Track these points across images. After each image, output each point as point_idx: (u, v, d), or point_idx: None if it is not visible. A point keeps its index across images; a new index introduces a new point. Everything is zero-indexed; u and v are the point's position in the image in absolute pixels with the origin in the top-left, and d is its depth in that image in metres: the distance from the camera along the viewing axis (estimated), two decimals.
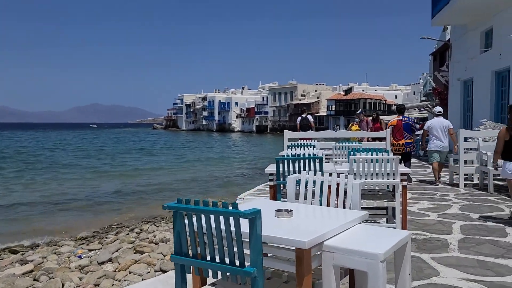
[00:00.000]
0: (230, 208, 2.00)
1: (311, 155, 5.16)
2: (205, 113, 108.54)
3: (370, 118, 13.42)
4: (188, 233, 2.18)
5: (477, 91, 14.58)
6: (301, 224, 2.40)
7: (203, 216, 2.09)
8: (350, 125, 13.98)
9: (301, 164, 4.72)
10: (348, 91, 78.51)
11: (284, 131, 8.90)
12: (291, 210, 2.52)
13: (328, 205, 3.12)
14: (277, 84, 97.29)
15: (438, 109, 9.66)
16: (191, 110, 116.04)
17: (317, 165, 4.68)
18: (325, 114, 77.13)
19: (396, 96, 79.43)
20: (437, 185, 8.96)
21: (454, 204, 6.89)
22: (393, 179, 4.59)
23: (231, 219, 1.99)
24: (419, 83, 77.84)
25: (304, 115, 12.86)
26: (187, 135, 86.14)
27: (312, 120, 12.90)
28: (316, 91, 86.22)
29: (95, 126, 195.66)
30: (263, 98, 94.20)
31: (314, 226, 2.38)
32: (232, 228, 1.99)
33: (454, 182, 9.22)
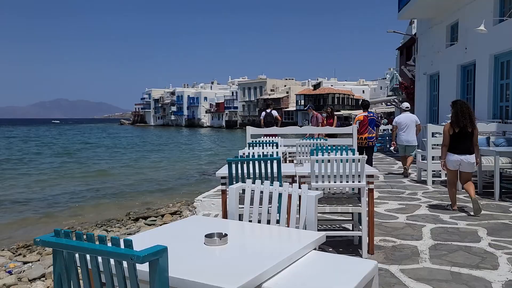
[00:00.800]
0: (122, 246, 1.39)
1: (270, 155, 4.65)
2: (173, 108, 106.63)
3: (324, 114, 12.93)
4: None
5: (443, 85, 14.49)
6: (235, 257, 1.84)
7: (88, 256, 1.50)
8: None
9: (257, 166, 4.12)
10: (317, 86, 78.87)
11: (247, 127, 8.34)
12: (225, 235, 1.95)
13: (288, 223, 2.63)
14: (247, 79, 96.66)
15: (406, 104, 9.85)
16: (160, 105, 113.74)
17: (275, 167, 4.10)
18: (294, 109, 77.22)
19: (363, 91, 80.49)
20: (406, 176, 9.46)
21: (423, 204, 6.53)
22: (359, 182, 4.10)
23: (124, 263, 1.40)
24: (385, 78, 79.16)
25: (268, 110, 12.29)
26: (155, 130, 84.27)
27: (277, 114, 12.27)
28: (285, 86, 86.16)
29: (58, 121, 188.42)
30: (232, 93, 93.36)
31: (252, 260, 1.82)
32: (126, 274, 1.40)
33: (422, 179, 8.93)
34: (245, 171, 4.05)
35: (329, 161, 4.09)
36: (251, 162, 4.10)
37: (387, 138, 17.17)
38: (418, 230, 5.02)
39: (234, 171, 4.14)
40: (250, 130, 8.31)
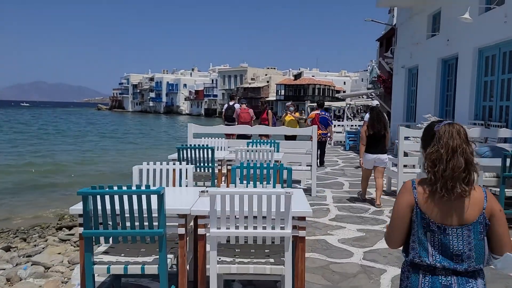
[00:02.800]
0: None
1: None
2: (152, 95, 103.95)
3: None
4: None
5: (422, 80, 13.32)
6: None
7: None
8: (284, 114, 12.21)
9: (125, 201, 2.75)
10: (298, 76, 77.55)
11: (188, 124, 6.92)
12: None
13: None
14: (228, 67, 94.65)
15: (375, 102, 10.65)
16: (138, 91, 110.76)
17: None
18: (274, 98, 75.90)
19: (344, 83, 79.61)
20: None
21: None
22: (282, 227, 2.74)
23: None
24: (367, 70, 78.44)
25: (231, 103, 10.85)
26: (133, 117, 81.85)
27: (238, 107, 10.61)
28: (266, 75, 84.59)
29: (27, 104, 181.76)
30: (212, 80, 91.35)
31: None
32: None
33: (392, 189, 7.74)
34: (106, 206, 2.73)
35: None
36: (116, 196, 2.69)
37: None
38: (375, 280, 3.73)
39: (91, 207, 2.72)
40: (192, 128, 6.90)
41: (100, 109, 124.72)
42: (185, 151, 5.41)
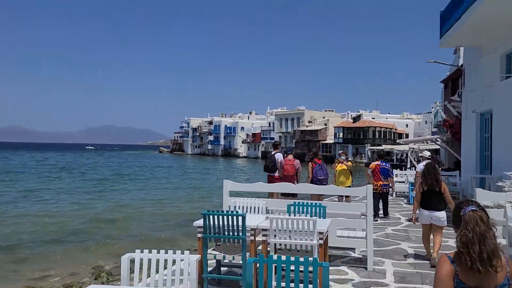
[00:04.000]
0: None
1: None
2: (211, 138, 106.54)
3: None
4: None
5: (498, 126, 11.73)
6: None
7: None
8: (335, 163, 11.17)
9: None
10: (357, 119, 75.73)
11: (224, 180, 6.19)
12: None
13: None
14: (285, 110, 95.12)
15: (427, 153, 10.81)
16: (197, 134, 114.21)
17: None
18: (332, 141, 74.31)
19: (407, 125, 76.42)
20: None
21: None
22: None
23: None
24: (431, 112, 74.88)
25: (273, 152, 10.04)
26: (192, 159, 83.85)
27: (281, 159, 9.64)
28: (324, 117, 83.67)
29: (92, 148, 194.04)
30: (269, 123, 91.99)
31: None
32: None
33: None
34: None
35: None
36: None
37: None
38: None
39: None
40: (228, 185, 6.14)
41: (161, 151, 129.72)
42: (211, 218, 4.63)
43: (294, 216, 5.06)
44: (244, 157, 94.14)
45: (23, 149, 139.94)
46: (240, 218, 4.62)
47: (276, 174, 9.66)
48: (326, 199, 11.48)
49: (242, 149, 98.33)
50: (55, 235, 12.04)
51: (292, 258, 3.06)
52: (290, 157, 9.64)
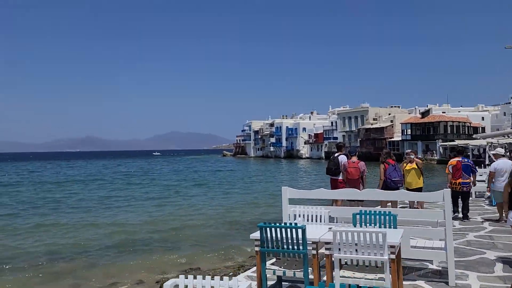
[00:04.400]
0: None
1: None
2: (272, 140, 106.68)
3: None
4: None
5: None
6: None
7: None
8: (403, 163, 10.27)
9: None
10: (425, 114, 71.67)
11: (283, 187, 5.76)
12: None
13: None
14: (348, 108, 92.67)
15: (502, 150, 10.21)
16: (259, 136, 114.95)
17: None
18: (400, 139, 70.94)
19: (483, 118, 70.98)
20: (503, 222, 8.92)
21: None
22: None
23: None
24: (510, 103, 68.75)
25: (336, 154, 9.42)
26: (255, 162, 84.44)
27: (345, 161, 9.00)
28: (389, 114, 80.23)
29: (159, 154, 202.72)
30: (332, 123, 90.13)
31: None
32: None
33: None
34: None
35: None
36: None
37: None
38: None
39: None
40: (287, 192, 5.70)
41: (225, 155, 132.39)
42: (268, 231, 4.22)
43: (361, 226, 4.52)
44: (307, 158, 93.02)
45: (100, 157, 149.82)
46: (299, 230, 4.17)
47: (340, 177, 9.06)
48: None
49: (304, 150, 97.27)
50: (122, 242, 12.31)
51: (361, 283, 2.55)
52: (354, 158, 8.97)
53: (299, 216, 5.39)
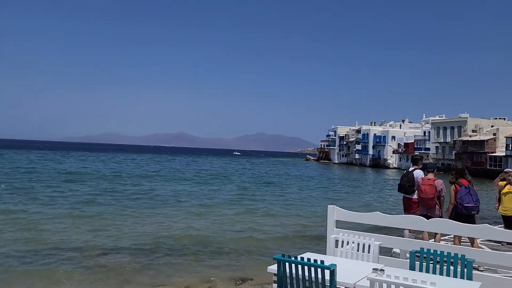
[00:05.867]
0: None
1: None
2: (358, 147, 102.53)
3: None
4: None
5: None
6: None
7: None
8: (498, 181, 8.37)
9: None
10: None
11: (329, 207, 4.65)
12: None
13: None
14: (444, 118, 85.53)
15: None
16: (344, 142, 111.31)
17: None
18: (503, 154, 63.37)
19: None
20: None
21: None
22: None
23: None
24: None
25: (411, 168, 7.94)
26: (338, 169, 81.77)
27: (420, 177, 7.55)
28: (492, 126, 72.26)
29: (239, 153, 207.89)
30: (424, 132, 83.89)
31: None
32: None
33: None
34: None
35: None
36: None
37: None
38: None
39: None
40: (334, 213, 4.57)
41: (308, 159, 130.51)
42: (287, 266, 3.19)
43: (420, 270, 3.27)
44: (395, 168, 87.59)
45: (188, 154, 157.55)
46: (326, 271, 3.10)
47: (415, 196, 7.59)
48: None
49: (392, 160, 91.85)
50: (183, 243, 11.91)
51: None
52: (431, 175, 7.42)
53: (346, 243, 4.24)
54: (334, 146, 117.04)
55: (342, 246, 4.22)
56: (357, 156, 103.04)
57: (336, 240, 4.30)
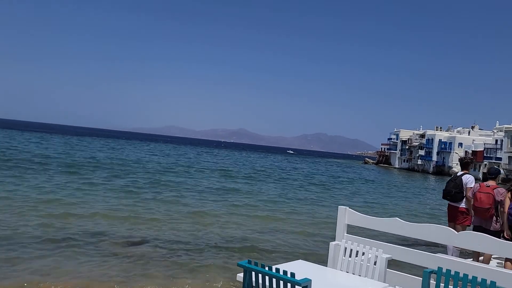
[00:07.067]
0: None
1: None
2: (421, 152, 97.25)
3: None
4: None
5: None
6: None
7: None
8: None
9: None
10: None
11: (340, 207, 3.89)
12: None
13: None
14: None
15: None
16: (406, 147, 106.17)
17: None
18: None
19: None
20: None
21: None
22: None
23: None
24: None
25: (460, 173, 6.82)
26: (399, 174, 78.03)
27: (473, 185, 6.53)
28: None
29: (292, 152, 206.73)
30: (496, 141, 77.52)
31: None
32: None
33: None
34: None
35: None
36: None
37: None
38: None
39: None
40: (346, 215, 3.80)
41: (367, 162, 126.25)
42: (253, 276, 2.50)
43: None
44: None
45: (247, 150, 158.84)
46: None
47: (462, 205, 6.48)
48: None
49: (458, 168, 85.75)
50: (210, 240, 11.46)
51: None
52: (491, 182, 6.29)
53: (355, 253, 3.46)
54: (395, 150, 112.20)
55: (350, 256, 3.45)
56: (419, 161, 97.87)
57: (344, 248, 3.52)
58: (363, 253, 3.25)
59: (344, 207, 3.93)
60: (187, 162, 45.95)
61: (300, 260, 3.97)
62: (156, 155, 54.64)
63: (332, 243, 3.73)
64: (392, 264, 3.58)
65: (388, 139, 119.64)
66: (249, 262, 2.45)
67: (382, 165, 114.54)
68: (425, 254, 3.53)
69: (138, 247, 9.70)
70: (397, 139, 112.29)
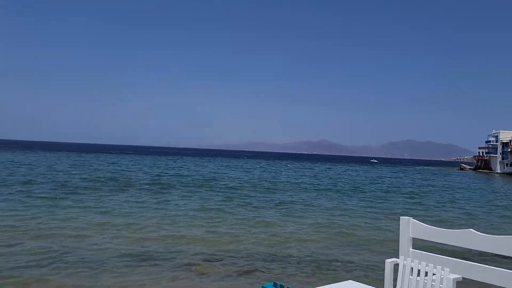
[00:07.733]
0: None
1: None
2: None
3: None
4: None
5: None
6: None
7: None
8: None
9: None
10: None
11: (401, 218, 3.63)
12: None
13: None
14: None
15: None
16: (509, 150, 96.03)
17: None
18: None
19: None
20: None
21: None
22: None
23: None
24: None
25: None
26: (501, 180, 70.75)
27: None
28: None
29: (376, 161, 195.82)
30: None
31: None
32: None
33: None
34: None
35: None
36: None
37: None
38: None
39: None
40: (410, 226, 3.54)
41: (463, 168, 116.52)
42: None
43: None
44: None
45: (332, 161, 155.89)
46: None
47: None
48: None
49: None
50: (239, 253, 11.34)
51: None
52: None
53: (418, 271, 3.20)
54: (496, 153, 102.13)
55: (411, 274, 3.17)
56: None
57: (403, 265, 3.24)
58: (426, 273, 2.96)
59: (407, 218, 3.59)
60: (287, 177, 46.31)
61: (350, 280, 3.75)
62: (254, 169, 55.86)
63: (388, 261, 3.40)
64: (463, 282, 3.18)
65: (487, 141, 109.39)
66: (275, 285, 2.38)
67: (481, 170, 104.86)
68: (506, 273, 3.07)
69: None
70: (496, 141, 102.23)
